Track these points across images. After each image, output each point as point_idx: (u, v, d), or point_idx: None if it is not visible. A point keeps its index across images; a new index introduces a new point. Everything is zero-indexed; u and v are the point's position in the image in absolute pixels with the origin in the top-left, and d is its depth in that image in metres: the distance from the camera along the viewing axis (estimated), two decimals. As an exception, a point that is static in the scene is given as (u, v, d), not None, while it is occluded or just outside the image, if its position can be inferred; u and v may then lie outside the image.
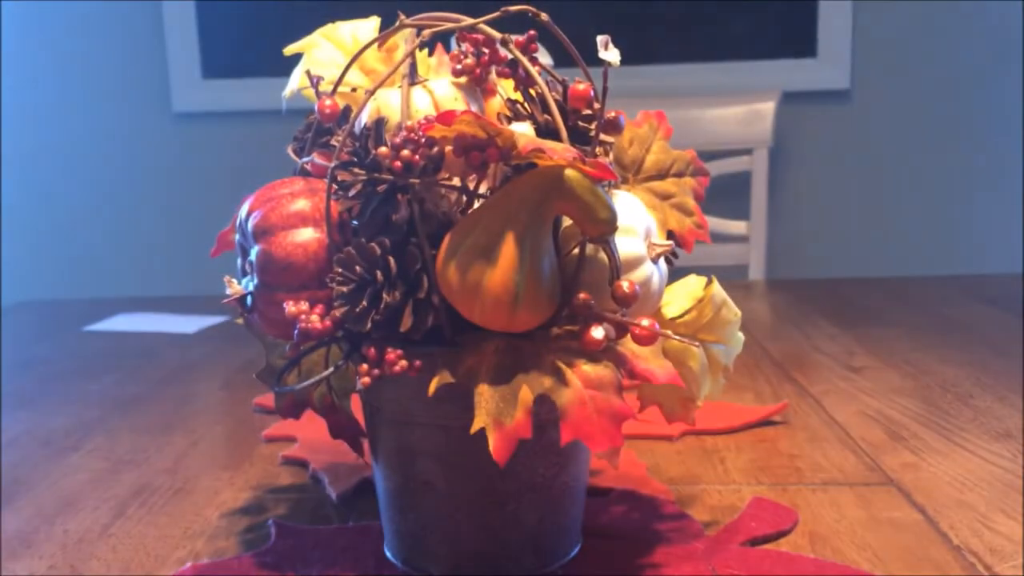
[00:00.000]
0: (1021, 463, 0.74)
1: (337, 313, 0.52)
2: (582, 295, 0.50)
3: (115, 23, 2.22)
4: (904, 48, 2.13)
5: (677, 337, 0.52)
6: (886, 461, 0.76)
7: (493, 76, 0.57)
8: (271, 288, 0.54)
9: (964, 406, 0.89)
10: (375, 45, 0.59)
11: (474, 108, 0.56)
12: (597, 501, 0.68)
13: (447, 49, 0.63)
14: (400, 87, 0.55)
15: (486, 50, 0.56)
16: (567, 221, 0.54)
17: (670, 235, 0.62)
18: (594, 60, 0.54)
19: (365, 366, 0.51)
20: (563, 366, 0.50)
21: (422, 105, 0.55)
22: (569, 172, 0.49)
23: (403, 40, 0.59)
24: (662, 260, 0.57)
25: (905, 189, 2.18)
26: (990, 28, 2.11)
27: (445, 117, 0.49)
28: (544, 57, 0.57)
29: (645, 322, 0.50)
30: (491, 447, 0.48)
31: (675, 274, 0.60)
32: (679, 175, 0.63)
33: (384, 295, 0.51)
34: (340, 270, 0.52)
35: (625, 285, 0.50)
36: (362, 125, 0.55)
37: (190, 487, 0.75)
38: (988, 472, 0.73)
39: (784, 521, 0.64)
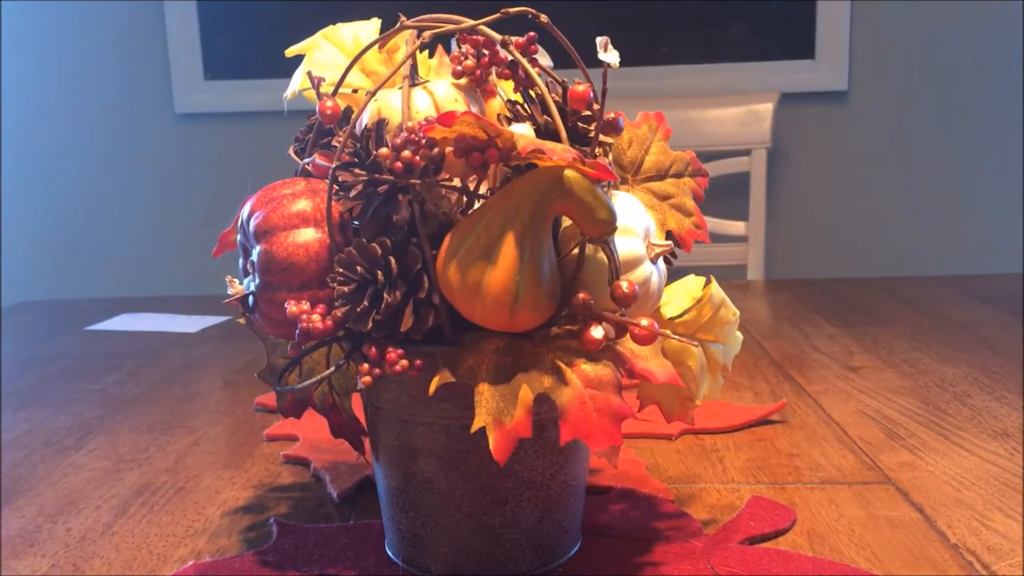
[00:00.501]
0: (1019, 462, 0.75)
1: (338, 313, 0.52)
2: (582, 295, 0.51)
3: (117, 24, 2.22)
4: (902, 49, 2.14)
5: (676, 337, 0.52)
6: (884, 460, 0.76)
7: (493, 77, 0.58)
8: (272, 288, 0.54)
9: (962, 405, 0.89)
10: (376, 47, 0.60)
11: (474, 109, 0.57)
12: (596, 500, 0.68)
13: (447, 51, 0.64)
14: (401, 88, 0.56)
15: (486, 52, 0.56)
16: (567, 221, 0.55)
17: (669, 235, 0.62)
18: (593, 61, 0.54)
19: (366, 365, 0.52)
20: (563, 365, 0.51)
21: (423, 106, 0.56)
22: (569, 173, 0.50)
23: (404, 42, 0.60)
24: (661, 260, 0.57)
25: (903, 189, 2.18)
26: (989, 29, 2.11)
27: (445, 118, 0.49)
28: (544, 58, 0.58)
29: (644, 322, 0.50)
30: (491, 446, 0.49)
31: (674, 274, 0.61)
32: (678, 176, 0.64)
33: (385, 295, 0.51)
34: (341, 270, 0.52)
35: (624, 285, 0.50)
36: (363, 126, 0.55)
37: (192, 486, 0.75)
38: (986, 471, 0.73)
39: (782, 520, 0.65)
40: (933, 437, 0.81)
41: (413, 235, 0.52)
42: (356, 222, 0.55)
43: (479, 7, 0.67)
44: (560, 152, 0.49)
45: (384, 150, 0.50)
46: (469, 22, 0.55)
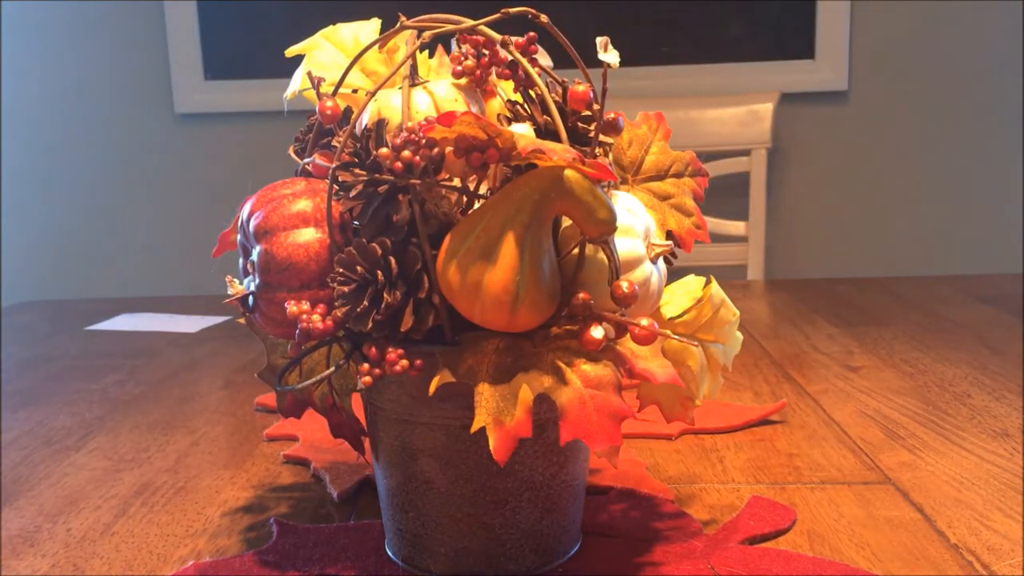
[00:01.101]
0: (1019, 462, 0.75)
1: (338, 313, 0.52)
2: (582, 295, 0.51)
3: (117, 24, 2.22)
4: (901, 49, 2.14)
5: (676, 337, 0.52)
6: (884, 460, 0.76)
7: (493, 77, 0.58)
8: (273, 288, 0.54)
9: (962, 405, 0.89)
10: (376, 47, 0.60)
11: (474, 109, 0.57)
12: (596, 500, 0.68)
13: (447, 51, 0.64)
14: (401, 88, 0.56)
15: (486, 52, 0.56)
16: (567, 221, 0.55)
17: (669, 235, 0.62)
18: (593, 61, 0.54)
19: (366, 365, 0.52)
20: (563, 365, 0.51)
21: (423, 106, 0.56)
22: (569, 173, 0.50)
23: (404, 42, 0.60)
24: (661, 260, 0.57)
25: (903, 189, 2.18)
26: (989, 28, 2.11)
27: (445, 118, 0.49)
28: (544, 58, 0.58)
29: (644, 322, 0.50)
30: (491, 446, 0.49)
31: (674, 274, 0.61)
32: (678, 176, 0.64)
33: (385, 295, 0.51)
34: (341, 270, 0.52)
35: (624, 285, 0.50)
36: (363, 126, 0.55)
37: (192, 486, 0.75)
38: (986, 471, 0.73)
39: (782, 520, 0.65)
40: (933, 437, 0.81)
41: (413, 235, 0.52)
42: (356, 222, 0.55)
43: (479, 7, 0.67)
44: (560, 152, 0.49)
45: (384, 150, 0.50)
46: (469, 22, 0.55)
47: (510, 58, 0.55)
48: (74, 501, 0.73)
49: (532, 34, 0.55)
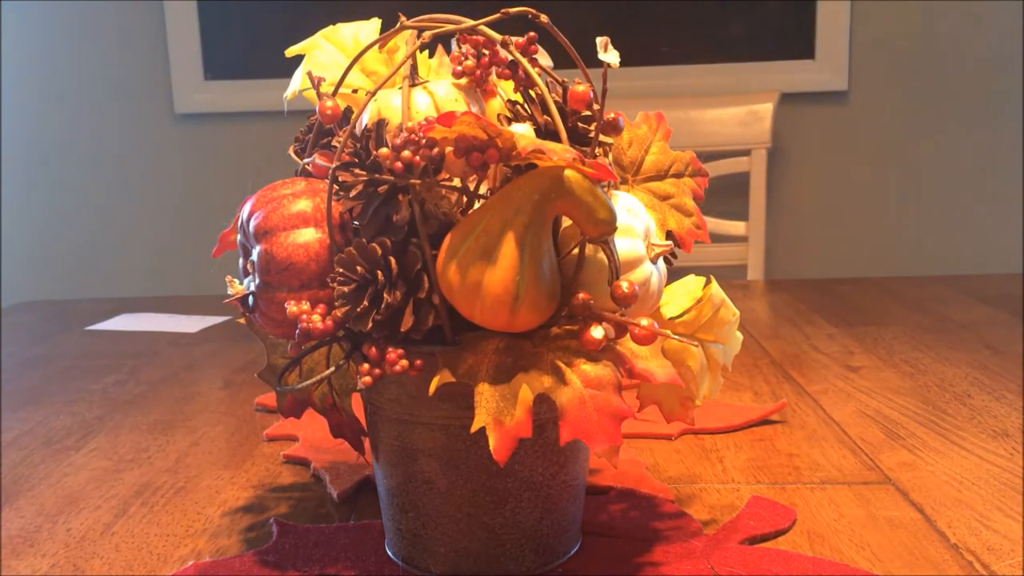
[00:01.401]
0: (1019, 462, 0.75)
1: (338, 313, 0.52)
2: (582, 295, 0.51)
3: (117, 24, 2.22)
4: (902, 49, 2.14)
5: (676, 337, 0.52)
6: (884, 460, 0.76)
7: (493, 77, 0.58)
8: (273, 288, 0.54)
9: (962, 405, 0.89)
10: (376, 47, 0.60)
11: (474, 109, 0.57)
12: (596, 500, 0.68)
13: (448, 51, 0.64)
14: (401, 88, 0.56)
15: (486, 52, 0.56)
16: (567, 221, 0.55)
17: (669, 235, 0.62)
18: (593, 61, 0.54)
19: (366, 365, 0.52)
20: (563, 365, 0.51)
21: (423, 106, 0.56)
22: (569, 173, 0.50)
23: (404, 42, 0.60)
24: (661, 260, 0.57)
25: (903, 189, 2.18)
26: (989, 28, 2.11)
27: (445, 118, 0.49)
28: (544, 58, 0.58)
29: (644, 322, 0.50)
30: (491, 446, 0.49)
31: (674, 274, 0.61)
32: (678, 176, 0.64)
33: (385, 295, 0.51)
34: (341, 270, 0.52)
35: (624, 285, 0.50)
36: (363, 126, 0.55)
37: (192, 486, 0.75)
38: (986, 471, 0.73)
39: (782, 520, 0.65)
40: (933, 437, 0.81)
41: (413, 235, 0.52)
42: (356, 222, 0.55)
43: (479, 7, 0.67)
44: (560, 152, 0.49)
45: (384, 150, 0.50)
46: (469, 22, 0.55)
47: (510, 58, 0.55)
48: (74, 501, 0.73)
49: (532, 34, 0.55)
